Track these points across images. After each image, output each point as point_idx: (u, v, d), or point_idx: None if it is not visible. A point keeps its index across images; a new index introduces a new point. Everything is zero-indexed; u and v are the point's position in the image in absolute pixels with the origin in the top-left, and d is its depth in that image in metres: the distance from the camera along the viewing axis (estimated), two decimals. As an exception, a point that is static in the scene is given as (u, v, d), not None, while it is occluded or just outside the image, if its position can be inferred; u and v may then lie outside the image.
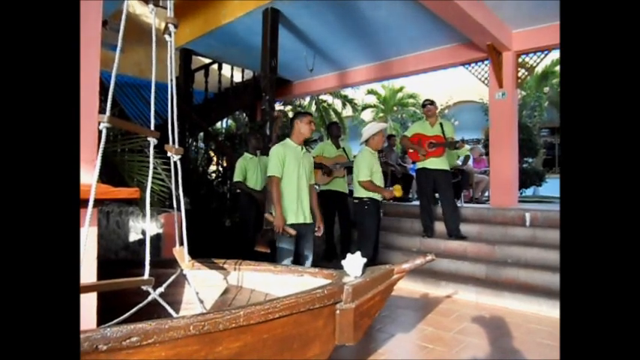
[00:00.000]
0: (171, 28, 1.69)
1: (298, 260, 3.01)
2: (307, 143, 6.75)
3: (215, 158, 6.10)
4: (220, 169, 5.92)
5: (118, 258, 3.78)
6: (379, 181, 3.90)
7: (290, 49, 6.14)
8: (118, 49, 1.37)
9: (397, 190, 3.87)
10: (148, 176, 1.62)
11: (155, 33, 1.67)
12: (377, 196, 3.90)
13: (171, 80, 1.75)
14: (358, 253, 1.71)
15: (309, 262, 3.04)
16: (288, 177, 2.96)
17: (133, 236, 3.85)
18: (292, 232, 2.86)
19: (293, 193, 2.95)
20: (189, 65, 6.79)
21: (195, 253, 2.37)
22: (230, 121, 11.06)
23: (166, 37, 1.73)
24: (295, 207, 2.95)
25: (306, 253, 3.06)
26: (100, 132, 1.32)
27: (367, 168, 3.80)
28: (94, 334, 1.06)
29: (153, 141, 1.59)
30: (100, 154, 1.28)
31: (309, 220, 3.05)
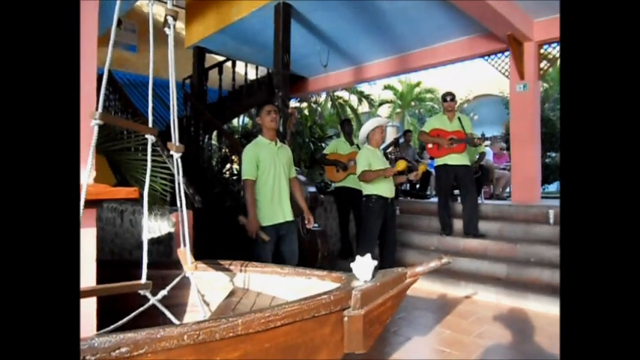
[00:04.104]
0: (170, 20, 1.62)
1: (279, 260, 2.84)
2: (321, 140, 6.67)
3: (229, 156, 6.08)
4: (235, 167, 5.90)
5: (132, 257, 3.79)
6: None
7: (304, 45, 6.05)
8: (111, 44, 1.30)
9: (400, 164, 3.74)
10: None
11: (156, 27, 1.61)
12: (385, 194, 3.80)
13: (172, 75, 1.68)
14: (368, 256, 1.61)
15: (293, 261, 2.89)
16: (263, 177, 2.86)
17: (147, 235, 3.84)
18: (266, 238, 2.77)
19: (269, 193, 2.86)
20: (203, 63, 6.75)
21: (209, 252, 2.31)
22: (247, 119, 11.05)
23: (166, 30, 1.66)
24: (273, 208, 2.87)
25: (287, 251, 2.92)
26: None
27: (365, 163, 3.76)
28: (81, 344, 1.00)
29: (151, 138, 1.54)
30: (92, 152, 1.22)
31: (289, 218, 2.94)
